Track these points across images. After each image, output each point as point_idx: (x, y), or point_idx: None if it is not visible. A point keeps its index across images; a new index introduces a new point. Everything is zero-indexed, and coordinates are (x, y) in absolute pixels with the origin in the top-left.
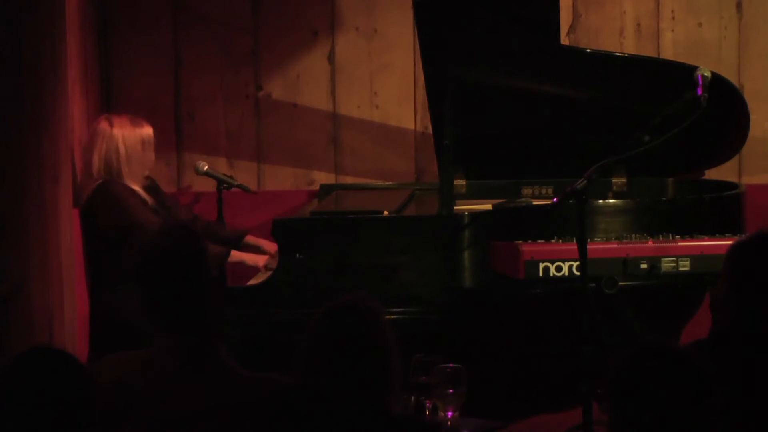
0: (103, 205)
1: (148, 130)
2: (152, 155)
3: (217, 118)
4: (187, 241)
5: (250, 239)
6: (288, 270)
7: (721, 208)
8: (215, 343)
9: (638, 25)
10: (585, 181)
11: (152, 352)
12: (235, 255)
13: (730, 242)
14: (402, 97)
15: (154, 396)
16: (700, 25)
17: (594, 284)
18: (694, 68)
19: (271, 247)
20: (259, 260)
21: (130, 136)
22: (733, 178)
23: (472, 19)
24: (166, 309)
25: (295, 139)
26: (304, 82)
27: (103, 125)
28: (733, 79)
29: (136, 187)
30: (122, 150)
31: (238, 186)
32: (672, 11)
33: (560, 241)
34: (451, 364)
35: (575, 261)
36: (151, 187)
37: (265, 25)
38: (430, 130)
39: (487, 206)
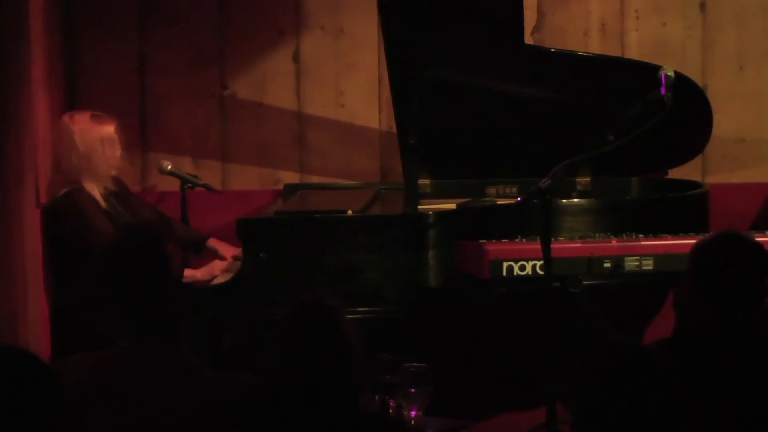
0: (67, 215)
1: (108, 128)
2: (116, 152)
3: (182, 118)
4: (149, 241)
5: (211, 242)
6: (252, 270)
7: (685, 208)
8: (178, 343)
9: (603, 24)
10: (549, 181)
11: (114, 352)
12: (188, 274)
13: (693, 241)
14: (367, 96)
15: (117, 397)
16: (664, 24)
17: (558, 283)
18: (658, 68)
19: (231, 251)
20: (215, 269)
21: (88, 132)
22: (696, 178)
23: (437, 19)
24: (127, 309)
25: (260, 139)
26: (270, 82)
27: (64, 121)
28: (697, 78)
29: (96, 189)
30: (81, 147)
31: (202, 185)
32: (636, 11)
33: (524, 240)
34: (415, 364)
35: (540, 260)
36: (118, 188)
37: (231, 24)
38: (395, 130)
39: (451, 206)
